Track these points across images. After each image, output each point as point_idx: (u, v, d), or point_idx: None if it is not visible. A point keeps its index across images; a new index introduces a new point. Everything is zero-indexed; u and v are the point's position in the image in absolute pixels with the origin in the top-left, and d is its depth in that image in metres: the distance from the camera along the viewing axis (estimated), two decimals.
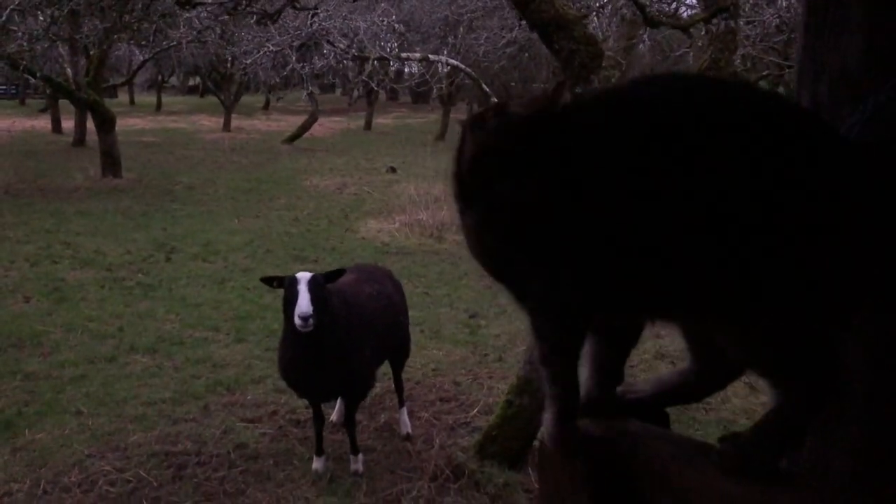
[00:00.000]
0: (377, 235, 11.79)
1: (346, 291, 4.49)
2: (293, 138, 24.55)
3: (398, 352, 4.99)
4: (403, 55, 11.16)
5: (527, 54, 18.15)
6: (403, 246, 11.12)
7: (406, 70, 47.79)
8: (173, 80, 57.65)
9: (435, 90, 17.95)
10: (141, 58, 24.11)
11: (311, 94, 21.08)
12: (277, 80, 16.53)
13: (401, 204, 13.99)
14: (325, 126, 31.19)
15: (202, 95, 50.17)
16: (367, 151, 23.43)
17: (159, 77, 44.12)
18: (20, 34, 11.94)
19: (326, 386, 4.37)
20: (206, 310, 7.78)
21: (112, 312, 7.60)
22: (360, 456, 4.55)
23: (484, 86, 12.15)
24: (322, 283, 4.15)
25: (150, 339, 6.84)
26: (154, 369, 6.19)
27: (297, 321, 4.01)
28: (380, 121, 35.18)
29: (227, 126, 28.88)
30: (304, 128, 24.82)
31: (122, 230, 11.36)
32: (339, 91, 55.24)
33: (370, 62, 12.16)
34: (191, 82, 57.31)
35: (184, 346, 6.72)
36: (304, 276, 4.14)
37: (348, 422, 4.55)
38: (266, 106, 41.93)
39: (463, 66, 11.68)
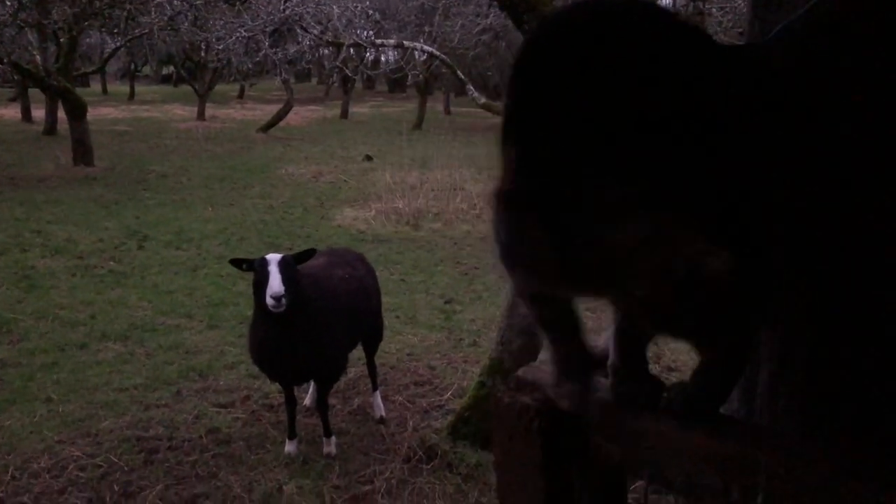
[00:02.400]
0: (353, 223, 11.75)
1: (317, 274, 4.47)
2: (268, 127, 24.37)
3: (371, 335, 4.99)
4: (378, 42, 11.10)
5: (503, 43, 18.14)
6: (379, 234, 11.09)
7: (382, 58, 47.64)
8: (147, 70, 56.98)
9: (410, 77, 17.85)
10: (113, 46, 23.79)
11: (285, 82, 20.94)
12: (250, 66, 16.36)
13: (377, 192, 13.97)
14: (301, 115, 31.01)
15: (176, 85, 49.62)
16: (344, 140, 23.32)
17: (132, 66, 43.60)
18: None
19: (298, 369, 4.36)
20: (179, 297, 7.72)
21: (83, 300, 7.52)
22: (333, 438, 4.55)
23: (459, 73, 12.12)
24: (293, 265, 4.13)
25: (122, 327, 6.78)
26: (126, 356, 6.14)
27: (269, 301, 3.99)
28: (356, 109, 35.01)
29: (201, 115, 28.59)
30: (279, 116, 24.65)
31: (93, 218, 11.23)
32: (314, 80, 54.91)
33: (344, 48, 12.10)
34: (164, 71, 56.69)
35: (156, 333, 6.67)
36: (274, 258, 4.12)
37: (321, 405, 4.54)
38: (241, 95, 41.57)
39: (438, 53, 11.66)
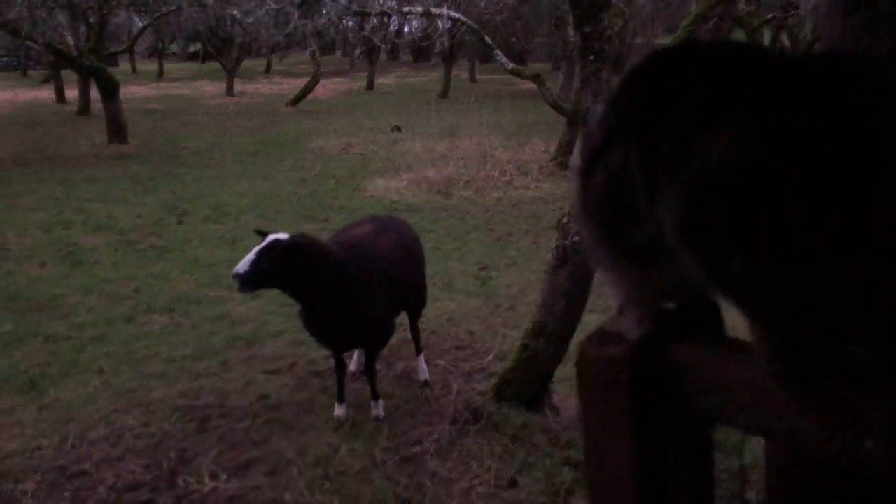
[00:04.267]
0: (385, 193, 11.79)
1: (363, 242, 4.52)
2: (296, 100, 24.44)
3: (415, 301, 5.04)
4: (405, 9, 11.04)
5: (527, 7, 17.93)
6: (411, 203, 11.13)
7: (406, 28, 47.27)
8: (174, 48, 57.25)
9: (438, 45, 17.73)
10: (140, 24, 23.92)
11: (313, 54, 20.89)
12: (280, 38, 16.35)
13: (407, 162, 13.98)
14: (328, 87, 31.02)
15: (203, 62, 49.79)
16: (371, 111, 23.32)
17: (160, 44, 43.80)
18: (19, 1, 11.85)
19: (345, 336, 4.43)
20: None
21: (127, 275, 7.67)
22: (381, 402, 4.63)
23: (487, 39, 12.03)
24: (283, 249, 4.02)
25: (167, 300, 6.91)
26: (172, 328, 6.27)
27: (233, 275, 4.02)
28: (381, 80, 34.88)
29: (230, 91, 28.74)
30: (307, 90, 24.70)
31: (131, 195, 11.40)
32: (339, 52, 54.75)
33: (371, 18, 12.06)
34: (191, 49, 56.91)
35: (200, 305, 6.79)
36: (271, 238, 4.09)
37: (368, 369, 4.61)
38: (267, 69, 41.65)
39: (465, 20, 11.57)
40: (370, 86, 31.42)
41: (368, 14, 10.47)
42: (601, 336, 1.34)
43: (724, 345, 1.30)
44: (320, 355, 5.58)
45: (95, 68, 15.24)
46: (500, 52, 12.19)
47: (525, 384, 4.44)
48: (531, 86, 32.07)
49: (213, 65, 43.37)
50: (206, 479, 3.98)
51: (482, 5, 13.51)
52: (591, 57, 3.97)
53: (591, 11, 3.93)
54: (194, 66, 50.54)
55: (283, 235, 4.13)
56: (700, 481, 1.36)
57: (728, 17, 3.77)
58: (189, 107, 25.43)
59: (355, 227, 4.97)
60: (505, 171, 12.63)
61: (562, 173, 12.90)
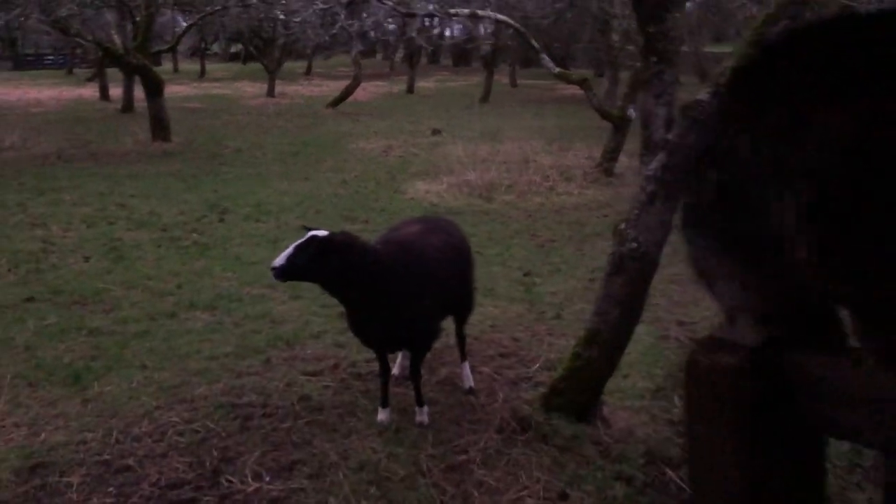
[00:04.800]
0: (425, 196, 11.73)
1: (412, 241, 4.44)
2: (337, 102, 24.53)
3: (462, 305, 4.94)
4: (452, 11, 10.98)
5: (574, 10, 17.77)
6: (452, 206, 11.04)
7: (447, 32, 47.35)
8: (215, 48, 57.96)
9: (482, 49, 17.63)
10: (184, 24, 24.22)
11: (357, 56, 20.95)
12: (327, 39, 16.40)
13: (447, 165, 13.90)
14: (367, 90, 31.10)
15: (244, 62, 50.37)
16: (411, 114, 23.33)
17: (202, 44, 44.35)
18: None
19: (390, 337, 4.35)
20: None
21: (169, 270, 7.69)
22: (426, 408, 4.54)
23: (534, 42, 11.91)
24: (320, 245, 4.00)
25: (209, 297, 6.90)
26: (214, 325, 6.24)
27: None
28: (421, 84, 34.96)
29: (270, 91, 28.97)
30: (348, 92, 24.78)
31: (174, 192, 11.47)
32: (379, 55, 55.00)
33: (418, 19, 12.02)
34: (233, 49, 57.59)
35: (242, 303, 6.77)
36: (311, 233, 4.08)
37: (413, 374, 4.53)
38: (308, 71, 42.00)
39: (512, 22, 11.46)
40: (410, 89, 31.47)
41: (414, 15, 10.42)
42: (713, 344, 1.24)
43: (844, 354, 1.20)
44: (361, 358, 5.51)
45: (142, 66, 15.41)
46: (546, 56, 12.06)
47: (575, 394, 4.31)
48: (573, 91, 31.92)
49: (254, 66, 43.91)
50: (250, 479, 3.92)
51: (528, 9, 13.41)
52: (654, 58, 3.85)
53: (656, 11, 3.82)
54: (235, 66, 51.13)
55: (321, 232, 4.09)
56: (812, 496, 1.25)
57: (800, 19, 3.62)
58: (230, 106, 25.67)
59: (404, 226, 4.90)
60: (547, 177, 12.50)
61: (606, 180, 12.74)
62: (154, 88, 15.53)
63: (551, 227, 9.96)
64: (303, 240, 4.02)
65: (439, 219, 5.33)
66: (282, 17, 16.53)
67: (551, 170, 13.00)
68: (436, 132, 18.41)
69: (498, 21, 11.15)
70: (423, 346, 4.53)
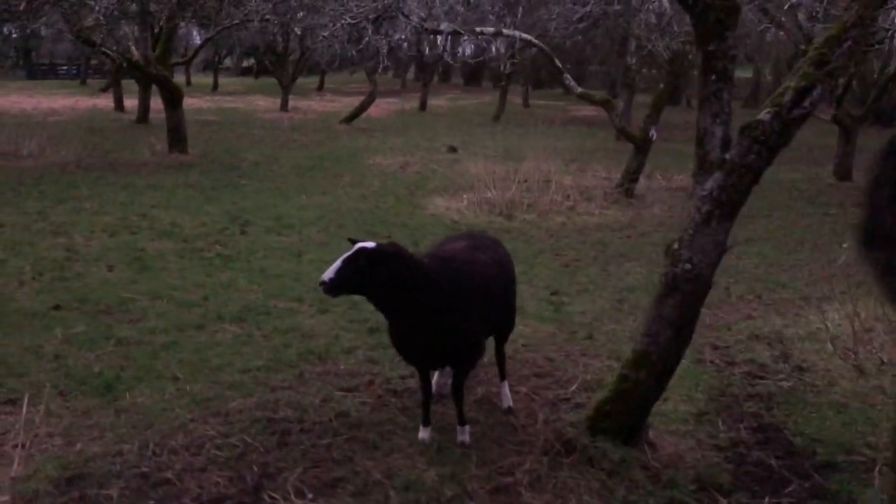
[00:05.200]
0: (445, 213, 11.69)
1: (457, 258, 4.38)
2: (351, 118, 24.57)
3: (504, 323, 4.86)
4: (478, 30, 10.98)
5: (599, 30, 17.79)
6: (473, 223, 10.99)
7: (459, 51, 47.57)
8: (227, 62, 58.24)
9: (503, 66, 17.61)
10: (199, 38, 24.39)
11: (373, 75, 20.95)
12: (354, 53, 16.44)
13: (465, 182, 13.89)
14: (380, 107, 31.12)
15: (256, 77, 50.62)
16: (425, 132, 23.35)
17: (216, 58, 44.58)
18: (96, 9, 12.05)
19: (433, 353, 4.27)
20: (287, 281, 7.76)
21: (194, 282, 7.63)
22: (468, 427, 4.45)
23: (557, 62, 11.91)
24: (369, 256, 3.95)
25: (236, 309, 6.83)
26: (244, 338, 6.17)
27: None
28: (433, 102, 35.02)
29: (284, 106, 29.05)
30: (363, 108, 24.83)
31: (194, 203, 11.44)
32: (390, 73, 55.20)
33: (444, 36, 12.03)
34: (244, 64, 57.89)
35: (270, 316, 6.70)
36: (358, 245, 4.02)
37: (456, 392, 4.44)
38: (320, 87, 42.15)
39: (537, 42, 11.46)
40: (423, 107, 31.55)
41: (441, 32, 10.42)
42: None
43: None
44: (396, 375, 5.44)
45: (162, 77, 15.44)
46: (568, 76, 12.04)
47: (622, 417, 4.22)
48: (584, 113, 32.02)
49: (266, 80, 44.12)
50: (292, 496, 3.84)
51: (552, 28, 13.43)
52: (713, 76, 3.80)
53: (717, 29, 3.77)
54: (247, 80, 51.38)
55: (369, 243, 4.02)
56: None
57: (863, 41, 3.58)
58: (244, 120, 25.73)
59: (450, 241, 4.84)
60: (568, 196, 12.45)
61: (627, 201, 12.69)
62: (173, 100, 15.56)
63: (575, 247, 9.90)
64: (351, 252, 3.95)
65: (485, 235, 5.26)
66: (298, 31, 16.63)
67: (571, 189, 12.96)
68: (452, 149, 18.41)
69: (522, 40, 11.13)
70: (467, 363, 4.45)
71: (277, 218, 10.61)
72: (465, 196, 12.59)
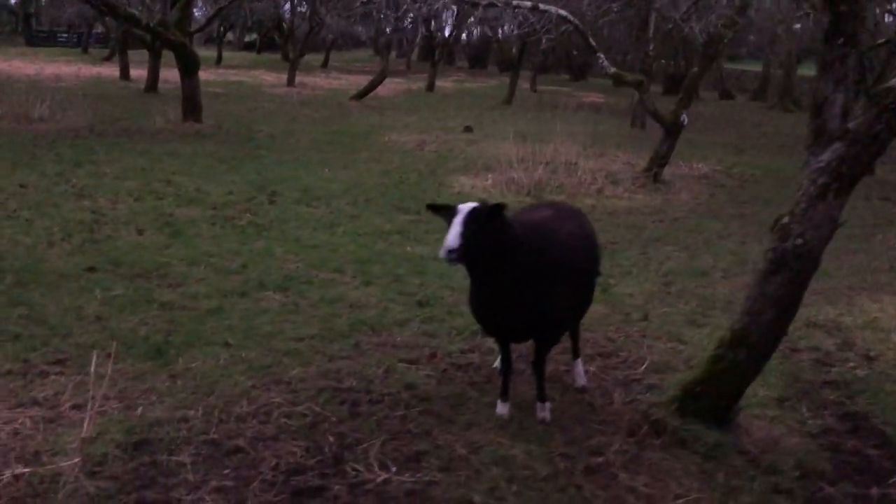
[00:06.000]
0: (472, 191, 11.44)
1: (544, 226, 4.15)
2: (362, 95, 24.25)
3: (585, 297, 4.62)
4: (514, 3, 10.70)
5: (632, 10, 17.49)
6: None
7: (464, 35, 47.18)
8: (229, 36, 57.57)
9: (545, 42, 17.26)
10: (203, 11, 24.08)
11: (386, 53, 20.64)
12: (393, 21, 16.11)
13: (486, 162, 13.67)
14: (387, 86, 30.69)
15: (259, 52, 50.04)
16: (436, 112, 23.04)
17: (220, 31, 44.00)
18: None
19: (517, 325, 4.05)
20: (324, 252, 7.52)
21: (229, 249, 7.38)
22: (548, 404, 4.24)
23: (591, 41, 11.66)
24: (484, 217, 3.77)
25: (277, 277, 6.60)
26: (290, 306, 5.94)
27: (441, 253, 3.70)
28: (439, 84, 34.61)
29: (291, 81, 28.64)
30: (373, 85, 24.50)
31: (216, 172, 11.17)
32: (393, 53, 54.71)
33: (479, 8, 11.76)
34: (247, 38, 57.29)
35: (313, 286, 6.47)
36: (464, 208, 3.79)
37: (538, 367, 4.23)
38: (325, 64, 41.66)
39: (572, 18, 11.21)
40: (430, 87, 31.20)
41: (477, 5, 10.16)
42: None
43: None
44: (457, 348, 5.24)
45: (180, 44, 15.09)
46: (602, 55, 11.79)
47: (715, 399, 4.03)
48: (593, 99, 31.74)
49: (270, 56, 43.66)
50: (376, 468, 3.62)
51: (584, 5, 13.17)
52: (841, 40, 3.58)
53: None
54: (249, 55, 50.77)
55: (474, 204, 3.79)
56: None
57: None
58: (252, 94, 25.35)
59: (535, 210, 4.61)
60: (595, 180, 12.22)
61: (654, 185, 12.46)
62: (190, 67, 15.21)
63: (609, 230, 9.66)
64: (463, 215, 3.71)
65: (569, 206, 5.03)
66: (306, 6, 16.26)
67: (597, 173, 12.72)
68: (468, 129, 18.13)
69: (559, 17, 10.87)
70: (553, 336, 4.24)
71: (304, 189, 10.34)
72: (490, 176, 12.35)
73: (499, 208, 3.81)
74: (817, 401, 4.74)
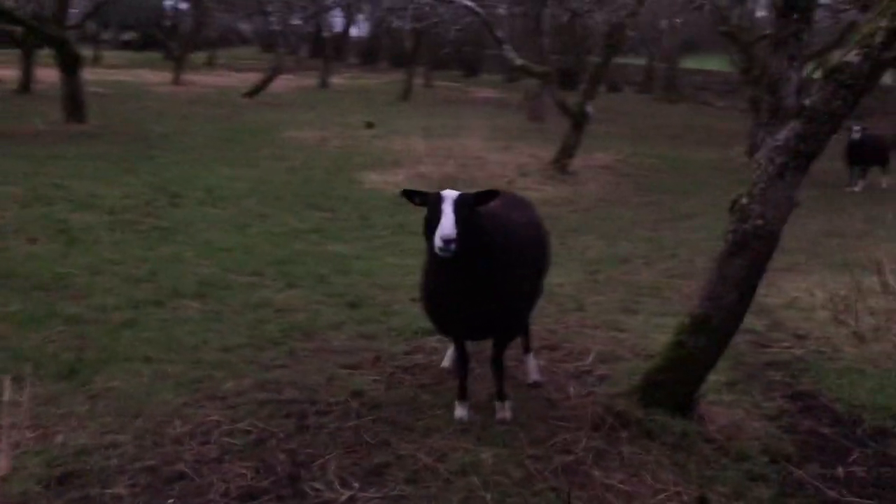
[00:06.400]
0: (384, 187, 11.17)
1: (499, 215, 3.93)
2: (254, 92, 23.49)
3: (536, 289, 4.45)
4: None
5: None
6: None
7: (354, 30, 46.63)
8: (106, 35, 54.82)
9: (453, 32, 16.98)
10: (80, 8, 22.70)
11: (279, 51, 19.98)
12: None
13: (393, 158, 13.48)
14: (279, 83, 29.90)
15: (139, 50, 47.83)
16: (333, 108, 22.57)
17: (98, 29, 41.78)
18: None
19: (479, 322, 3.82)
20: (239, 254, 7.11)
21: (135, 256, 6.86)
22: (508, 402, 4.05)
23: (497, 33, 11.56)
24: (471, 204, 3.59)
25: (192, 284, 6.15)
26: (212, 314, 5.53)
27: (437, 243, 3.45)
28: (332, 80, 34.03)
29: (177, 79, 27.46)
30: (267, 82, 23.78)
31: (109, 174, 10.44)
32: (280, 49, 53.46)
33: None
34: (124, 37, 54.70)
35: (233, 291, 6.07)
36: (450, 194, 3.58)
37: (497, 364, 4.02)
38: (210, 62, 40.20)
39: (479, 10, 11.08)
40: (324, 84, 30.61)
41: None
42: None
43: None
44: (399, 350, 4.98)
45: (61, 40, 14.08)
46: (508, 47, 11.72)
47: (676, 386, 3.93)
48: (488, 94, 31.89)
49: (151, 54, 41.76)
50: (338, 486, 3.33)
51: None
52: (795, 15, 3.52)
53: None
54: (127, 54, 48.47)
55: (454, 192, 3.58)
56: None
57: None
58: (137, 93, 24.08)
59: None
60: (505, 173, 12.17)
61: (561, 177, 12.52)
62: (72, 65, 14.22)
63: None
64: (452, 202, 3.50)
65: (516, 195, 4.83)
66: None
67: (506, 166, 12.70)
68: (369, 125, 17.79)
69: (465, 7, 10.72)
70: (516, 329, 4.05)
71: (208, 189, 9.80)
72: (400, 171, 12.11)
73: (491, 194, 3.64)
74: (765, 383, 4.74)
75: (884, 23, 3.38)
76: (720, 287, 3.79)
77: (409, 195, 3.76)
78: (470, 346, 4.25)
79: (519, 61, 12.11)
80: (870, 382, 4.77)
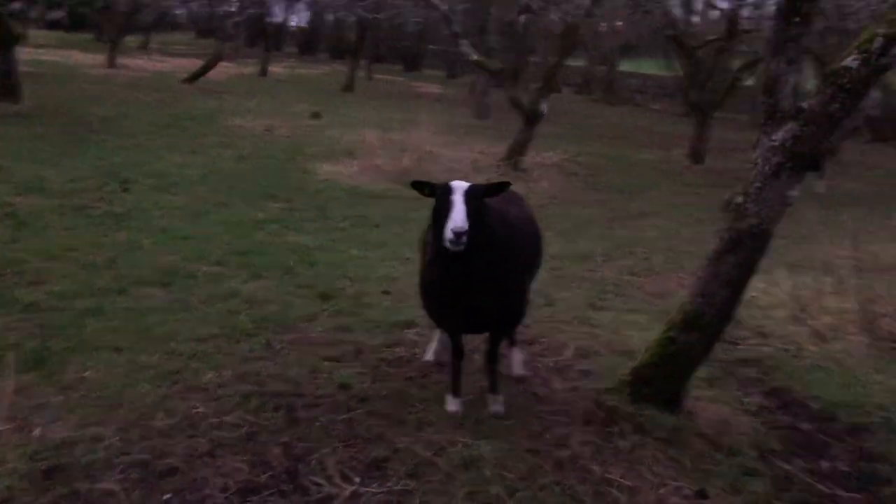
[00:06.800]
0: (339, 178, 11.03)
1: (498, 209, 3.89)
2: (194, 78, 22.89)
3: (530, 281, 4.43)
4: None
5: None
6: (373, 190, 10.44)
7: (294, 21, 45.93)
8: (32, 14, 52.64)
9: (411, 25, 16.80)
10: None
11: (220, 33, 19.52)
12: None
13: (345, 148, 13.28)
14: (218, 71, 29.18)
15: (67, 31, 46.10)
16: (275, 97, 22.16)
17: (22, 8, 40.03)
18: None
19: (478, 315, 3.78)
20: (199, 243, 6.89)
21: (90, 242, 6.58)
22: (501, 396, 4.02)
23: (454, 27, 11.53)
24: (480, 196, 3.56)
25: (154, 272, 5.93)
26: (179, 304, 5.34)
27: (448, 236, 3.40)
28: (271, 69, 33.46)
29: (111, 63, 26.55)
30: (206, 68, 23.20)
31: (51, 157, 9.98)
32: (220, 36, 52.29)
33: None
34: (51, 16, 52.62)
35: (198, 281, 5.88)
36: (460, 185, 3.54)
37: (492, 357, 4.00)
38: (144, 46, 39.03)
39: (437, 3, 11.02)
40: (263, 72, 30.07)
41: None
42: None
43: None
44: (380, 343, 4.90)
45: None
46: (465, 42, 11.70)
47: (665, 382, 3.97)
48: (429, 90, 31.83)
49: (81, 35, 40.34)
50: (339, 481, 3.24)
51: None
52: (797, 19, 3.58)
53: None
54: (56, 34, 46.67)
55: (465, 183, 3.54)
56: None
57: None
58: (70, 74, 23.16)
59: None
60: (459, 168, 12.12)
61: (514, 174, 12.54)
62: (7, 41, 13.59)
63: None
64: (463, 193, 3.46)
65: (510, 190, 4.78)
66: None
67: (459, 162, 12.67)
68: (316, 115, 17.54)
69: (426, 2, 10.64)
70: (515, 322, 4.02)
71: (159, 175, 9.48)
72: (354, 163, 11.96)
73: (502, 186, 3.62)
74: (741, 379, 4.84)
75: (882, 29, 3.47)
76: (713, 284, 3.84)
77: (419, 186, 3.70)
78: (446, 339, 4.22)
79: (475, 56, 12.09)
80: (837, 379, 4.92)
